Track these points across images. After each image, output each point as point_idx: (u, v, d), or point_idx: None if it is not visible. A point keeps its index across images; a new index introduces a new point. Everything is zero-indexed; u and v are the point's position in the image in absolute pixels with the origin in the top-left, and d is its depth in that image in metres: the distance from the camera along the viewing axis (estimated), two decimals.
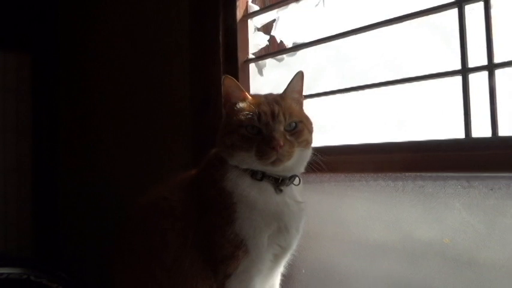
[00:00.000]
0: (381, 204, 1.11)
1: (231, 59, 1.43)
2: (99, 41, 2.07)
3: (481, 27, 0.93)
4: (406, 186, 1.06)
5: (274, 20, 1.45)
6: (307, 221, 1.00)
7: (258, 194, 0.93)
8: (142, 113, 1.82)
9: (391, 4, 1.12)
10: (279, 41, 1.45)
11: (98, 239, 1.93)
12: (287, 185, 0.97)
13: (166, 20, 1.69)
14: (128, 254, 0.99)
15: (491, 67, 0.92)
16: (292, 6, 1.35)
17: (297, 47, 1.35)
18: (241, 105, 0.97)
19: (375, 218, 1.12)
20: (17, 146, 2.23)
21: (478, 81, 0.95)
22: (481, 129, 0.94)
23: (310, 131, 0.98)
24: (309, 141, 0.98)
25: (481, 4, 0.94)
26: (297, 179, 0.99)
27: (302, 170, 1.00)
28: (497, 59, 0.92)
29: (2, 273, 1.39)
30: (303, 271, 1.23)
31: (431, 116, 1.09)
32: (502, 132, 0.92)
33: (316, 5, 1.33)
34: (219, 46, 1.44)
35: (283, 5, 1.34)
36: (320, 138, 1.05)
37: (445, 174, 1.00)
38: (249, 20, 1.45)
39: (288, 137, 0.92)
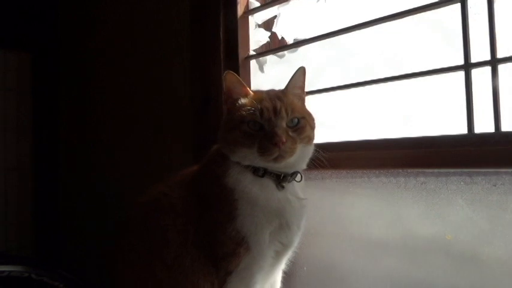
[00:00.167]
0: (382, 200, 1.11)
1: (231, 56, 1.42)
2: (99, 40, 2.07)
3: (484, 23, 0.93)
4: (408, 182, 1.06)
5: (275, 16, 1.45)
6: (308, 218, 1.00)
7: (260, 190, 0.93)
8: (142, 113, 1.82)
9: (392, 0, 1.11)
10: (280, 38, 1.45)
11: (98, 238, 1.93)
12: (289, 182, 0.96)
13: (167, 18, 1.69)
14: (128, 252, 0.99)
15: (494, 62, 0.92)
16: (293, 2, 1.35)
17: (298, 43, 1.34)
18: (243, 101, 0.96)
19: (376, 215, 1.12)
20: (18, 145, 2.22)
21: (481, 77, 0.95)
22: (484, 125, 0.94)
23: (313, 127, 0.98)
24: (311, 138, 0.97)
25: None
26: (298, 175, 0.99)
27: (304, 166, 0.99)
28: (500, 54, 0.92)
29: (3, 271, 1.39)
30: (305, 268, 1.23)
31: (434, 112, 1.09)
32: (505, 127, 0.92)
33: (318, 0, 1.33)
34: (219, 43, 1.44)
35: (284, 1, 1.34)
36: (322, 135, 1.04)
37: (447, 170, 0.99)
38: (249, 17, 1.44)
39: (290, 133, 0.92)
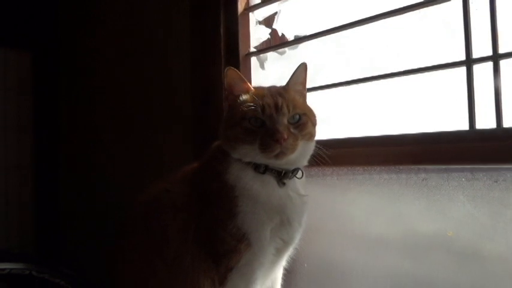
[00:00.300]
0: (384, 197, 1.10)
1: (232, 53, 1.42)
2: (99, 39, 2.07)
3: (486, 18, 0.92)
4: (409, 179, 1.05)
5: (275, 13, 1.45)
6: (309, 214, 0.99)
7: (261, 187, 0.93)
8: (142, 112, 1.81)
9: None
10: (280, 34, 1.45)
11: (99, 236, 1.93)
12: (290, 178, 0.96)
13: (167, 17, 1.68)
14: (128, 249, 0.99)
15: (496, 58, 0.91)
16: None
17: (299, 40, 1.34)
18: (244, 97, 0.96)
19: (378, 212, 1.12)
20: (18, 143, 2.23)
21: (483, 73, 0.94)
22: (485, 121, 0.93)
23: (314, 124, 0.98)
24: (313, 134, 0.97)
25: None
26: (300, 172, 0.98)
27: (305, 163, 0.99)
28: (501, 50, 0.91)
29: (4, 269, 1.39)
30: (305, 265, 1.23)
31: (435, 108, 1.08)
32: (507, 123, 0.91)
33: None
34: (220, 40, 1.43)
35: None
36: (323, 131, 1.04)
37: (448, 166, 0.99)
38: (250, 14, 1.44)
39: (291, 129, 0.91)
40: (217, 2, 1.45)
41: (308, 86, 1.03)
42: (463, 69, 0.97)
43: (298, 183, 0.99)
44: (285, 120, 0.91)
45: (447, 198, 0.99)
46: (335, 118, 1.26)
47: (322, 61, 1.30)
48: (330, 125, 1.22)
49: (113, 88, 1.98)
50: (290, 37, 1.43)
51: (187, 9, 1.56)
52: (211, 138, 1.05)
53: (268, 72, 1.46)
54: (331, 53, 1.29)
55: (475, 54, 0.95)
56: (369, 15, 1.12)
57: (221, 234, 0.90)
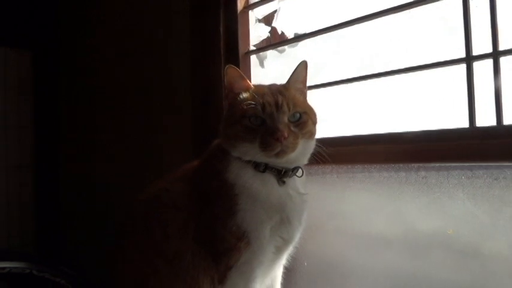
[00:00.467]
0: (383, 195, 1.10)
1: (232, 51, 1.42)
2: (99, 38, 2.07)
3: (486, 15, 0.92)
4: (409, 177, 1.05)
5: (275, 11, 1.44)
6: (309, 213, 0.99)
7: (261, 185, 0.92)
8: (142, 112, 1.81)
9: None
10: (280, 32, 1.44)
11: (99, 236, 1.93)
12: (290, 177, 0.96)
13: (167, 17, 1.68)
14: (128, 249, 0.99)
15: (496, 55, 0.91)
16: None
17: (299, 38, 1.34)
18: (244, 95, 0.96)
19: (377, 210, 1.12)
20: (19, 142, 2.23)
21: (483, 70, 0.94)
22: (486, 118, 0.93)
23: (314, 122, 0.97)
24: (313, 133, 0.97)
25: None
26: (300, 170, 0.98)
27: (305, 161, 0.99)
28: (501, 47, 0.91)
29: (4, 268, 1.39)
30: (305, 263, 1.23)
31: (435, 106, 1.08)
32: (507, 120, 0.91)
33: None
34: (219, 38, 1.43)
35: None
36: (323, 129, 1.04)
37: (448, 164, 0.99)
38: (249, 12, 1.44)
39: (292, 128, 0.91)
40: (217, 1, 1.45)
41: (308, 83, 1.03)
42: (463, 67, 0.97)
43: (298, 182, 0.98)
44: (285, 119, 0.91)
45: (447, 196, 0.99)
46: (335, 116, 1.26)
47: (322, 59, 1.30)
48: (330, 123, 1.21)
49: (113, 88, 1.98)
50: (290, 35, 1.42)
51: (187, 9, 1.56)
52: (211, 138, 1.05)
53: (268, 71, 1.46)
54: (330, 51, 1.29)
55: (475, 52, 0.95)
56: (368, 13, 1.12)
57: (221, 232, 0.90)
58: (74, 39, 2.25)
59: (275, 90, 0.95)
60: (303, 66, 0.98)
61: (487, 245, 0.93)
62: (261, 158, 0.92)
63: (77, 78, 2.23)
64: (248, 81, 0.98)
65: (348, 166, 1.16)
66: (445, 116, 1.05)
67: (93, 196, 2.06)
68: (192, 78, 1.54)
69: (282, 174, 0.95)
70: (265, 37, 1.47)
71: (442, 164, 1.00)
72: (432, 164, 1.01)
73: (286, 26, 1.42)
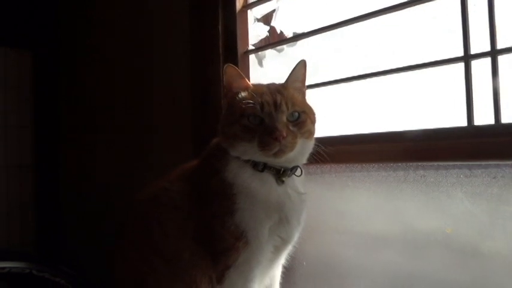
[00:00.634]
0: (382, 194, 1.10)
1: (230, 51, 1.42)
2: (99, 39, 2.07)
3: (484, 13, 0.92)
4: (407, 176, 1.05)
5: (274, 10, 1.44)
6: (308, 212, 0.99)
7: (259, 185, 0.92)
8: (142, 112, 1.81)
9: None
10: (279, 32, 1.44)
11: (99, 235, 1.93)
12: (289, 176, 0.96)
13: (166, 17, 1.68)
14: (128, 248, 0.99)
15: (494, 53, 0.91)
16: None
17: (297, 37, 1.34)
18: (243, 94, 0.95)
19: (376, 209, 1.12)
20: (19, 142, 2.23)
21: (481, 68, 0.94)
22: (484, 117, 0.93)
23: (313, 122, 0.97)
24: (312, 132, 0.97)
25: None
26: (298, 170, 0.98)
27: (304, 161, 0.99)
28: (499, 45, 0.91)
29: (4, 267, 1.39)
30: (304, 263, 1.23)
31: (433, 104, 1.08)
32: (505, 119, 0.91)
33: None
34: (218, 38, 1.43)
35: None
36: (321, 129, 1.03)
37: (447, 163, 0.99)
38: (248, 11, 1.44)
39: (290, 127, 0.91)
40: (215, 1, 1.45)
41: (307, 83, 1.02)
42: (461, 65, 0.97)
43: (297, 181, 0.98)
44: (284, 118, 0.91)
45: (445, 195, 0.99)
46: (333, 115, 1.26)
47: (321, 58, 1.30)
48: (328, 122, 1.21)
49: (112, 88, 1.98)
50: (288, 34, 1.42)
51: (186, 9, 1.56)
52: (210, 137, 1.05)
53: (266, 70, 1.46)
54: (329, 50, 1.29)
55: (473, 50, 0.95)
56: (367, 12, 1.12)
57: (219, 231, 0.90)
58: (74, 39, 2.25)
59: (274, 90, 0.95)
60: (301, 65, 0.98)
61: (485, 243, 0.93)
62: (260, 157, 0.92)
63: (77, 78, 2.23)
64: (247, 80, 0.98)
65: (346, 165, 1.16)
66: (443, 115, 1.05)
67: (93, 196, 2.06)
68: (192, 78, 1.54)
69: (281, 174, 0.94)
70: (263, 36, 1.47)
71: (441, 163, 0.99)
72: (431, 163, 1.01)
73: (284, 25, 1.42)
